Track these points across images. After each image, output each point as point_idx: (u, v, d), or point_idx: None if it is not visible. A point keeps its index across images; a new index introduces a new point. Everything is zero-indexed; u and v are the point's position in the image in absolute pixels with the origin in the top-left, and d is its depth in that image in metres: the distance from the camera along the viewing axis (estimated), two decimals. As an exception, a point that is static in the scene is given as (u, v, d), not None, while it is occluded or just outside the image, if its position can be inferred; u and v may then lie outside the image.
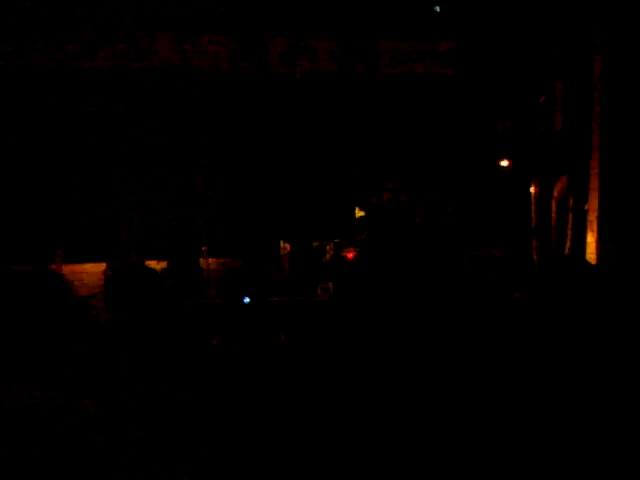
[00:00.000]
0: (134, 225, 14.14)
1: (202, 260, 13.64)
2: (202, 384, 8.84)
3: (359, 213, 13.82)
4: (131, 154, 13.90)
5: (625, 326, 9.97)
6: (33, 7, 13.49)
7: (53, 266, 13.48)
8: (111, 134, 13.82)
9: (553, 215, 13.42)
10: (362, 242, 13.60)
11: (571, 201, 13.24)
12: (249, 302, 11.58)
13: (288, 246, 13.74)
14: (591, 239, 12.81)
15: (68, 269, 13.46)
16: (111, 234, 14.03)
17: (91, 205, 13.99)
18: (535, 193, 13.48)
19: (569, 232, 13.16)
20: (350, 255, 13.45)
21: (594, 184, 12.83)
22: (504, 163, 13.83)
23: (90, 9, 13.61)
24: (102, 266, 13.39)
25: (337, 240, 13.67)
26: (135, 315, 11.57)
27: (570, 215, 13.17)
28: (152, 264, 13.58)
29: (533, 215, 13.16)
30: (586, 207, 12.93)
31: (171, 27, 13.69)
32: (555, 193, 13.47)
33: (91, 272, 13.48)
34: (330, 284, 12.94)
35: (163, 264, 13.56)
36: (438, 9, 13.84)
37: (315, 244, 13.72)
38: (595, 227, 12.71)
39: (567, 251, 13.09)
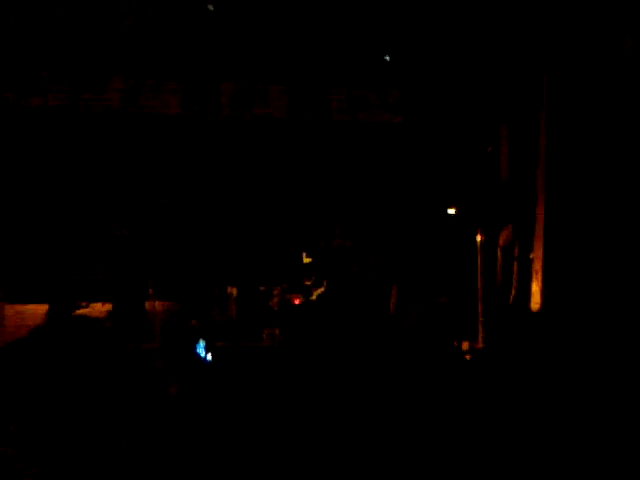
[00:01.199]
0: (80, 266, 14.02)
1: (148, 303, 13.54)
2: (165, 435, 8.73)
3: (306, 259, 13.85)
4: (76, 196, 13.82)
5: (567, 373, 10.07)
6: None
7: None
8: (55, 178, 13.74)
9: (499, 263, 13.58)
10: (309, 288, 13.61)
11: (516, 250, 13.41)
12: (204, 347, 11.52)
13: (234, 290, 13.70)
14: (536, 288, 12.94)
15: (11, 310, 13.26)
16: (56, 275, 13.88)
17: (37, 246, 13.85)
18: (481, 241, 13.64)
19: (514, 281, 13.31)
20: (297, 300, 13.45)
21: (539, 233, 13.00)
22: (451, 211, 13.99)
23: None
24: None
25: (284, 285, 13.67)
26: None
27: (515, 264, 13.33)
28: (97, 306, 13.45)
29: (479, 263, 13.28)
30: (531, 256, 13.10)
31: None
32: (500, 242, 13.63)
33: (35, 314, 13.29)
34: (276, 330, 12.92)
35: (107, 306, 13.45)
36: (388, 58, 14.02)
37: (262, 288, 13.71)
38: (540, 276, 12.85)
39: (512, 300, 13.22)
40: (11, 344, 12.18)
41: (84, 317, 12.85)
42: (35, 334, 12.21)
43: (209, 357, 11.83)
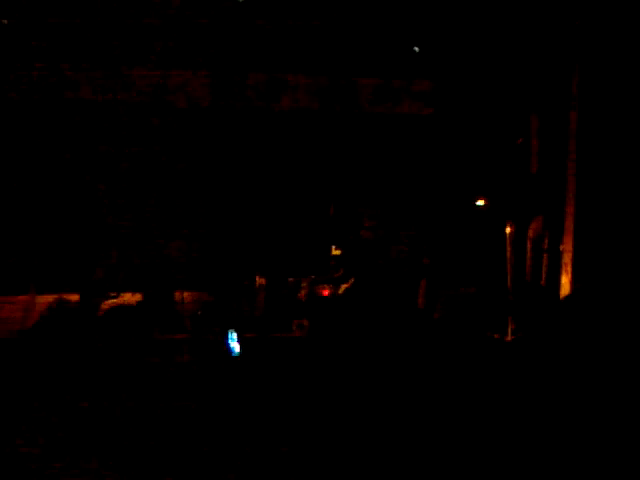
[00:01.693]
0: (110, 257, 14.08)
1: (177, 294, 13.60)
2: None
3: (335, 251, 13.82)
4: (108, 187, 13.87)
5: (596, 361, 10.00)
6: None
7: (26, 297, 13.40)
8: (89, 166, 13.80)
9: (528, 255, 13.51)
10: (339, 279, 13.59)
11: (546, 242, 13.35)
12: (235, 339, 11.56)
13: (263, 281, 13.72)
14: (565, 280, 12.89)
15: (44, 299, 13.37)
16: (87, 265, 13.95)
17: (68, 235, 13.92)
18: (510, 233, 13.56)
19: (544, 273, 13.26)
20: (325, 292, 13.44)
21: (569, 225, 12.94)
22: (480, 202, 13.92)
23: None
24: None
25: (313, 276, 13.67)
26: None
27: (545, 256, 13.27)
28: (127, 296, 13.53)
29: (508, 255, 13.22)
30: (561, 248, 13.04)
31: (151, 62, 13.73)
32: (530, 234, 13.57)
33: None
34: (305, 321, 12.93)
35: (137, 297, 13.51)
36: (417, 49, 13.96)
37: (290, 280, 13.71)
38: (569, 268, 12.79)
39: (541, 291, 13.16)
40: (26, 332, 12.26)
41: (116, 307, 13.00)
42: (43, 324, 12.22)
43: (238, 348, 11.87)
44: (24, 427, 8.70)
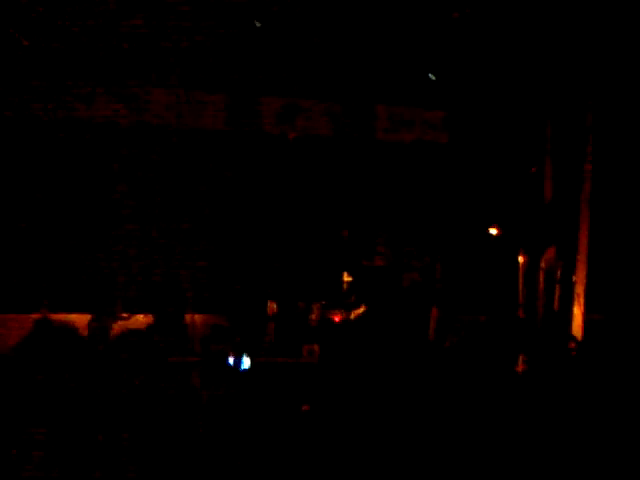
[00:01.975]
0: (120, 277, 14.09)
1: (187, 316, 13.59)
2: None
3: (347, 278, 13.82)
4: (122, 208, 13.91)
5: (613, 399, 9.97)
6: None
7: (39, 315, 13.41)
8: (102, 186, 13.84)
9: (540, 286, 13.49)
10: (350, 305, 13.58)
11: (559, 272, 13.33)
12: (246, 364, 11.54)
13: (274, 305, 13.71)
14: (578, 311, 12.86)
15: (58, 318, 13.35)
16: (98, 285, 13.96)
17: (81, 255, 13.94)
18: (523, 263, 13.56)
19: (556, 303, 13.23)
20: (337, 317, 13.42)
21: (582, 256, 12.93)
22: (493, 231, 13.92)
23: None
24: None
25: (324, 302, 13.65)
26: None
27: (557, 287, 13.25)
28: (139, 318, 13.52)
29: (520, 285, 13.21)
30: (574, 279, 13.02)
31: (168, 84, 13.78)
32: (542, 264, 13.55)
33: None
34: (316, 346, 12.91)
35: (148, 318, 13.50)
36: (433, 77, 14.00)
37: (301, 305, 13.70)
38: (582, 300, 12.77)
39: (553, 323, 13.13)
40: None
41: (127, 330, 12.98)
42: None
43: (248, 372, 11.86)
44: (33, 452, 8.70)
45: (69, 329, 12.90)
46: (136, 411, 9.90)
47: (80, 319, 13.39)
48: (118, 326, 13.27)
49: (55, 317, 13.15)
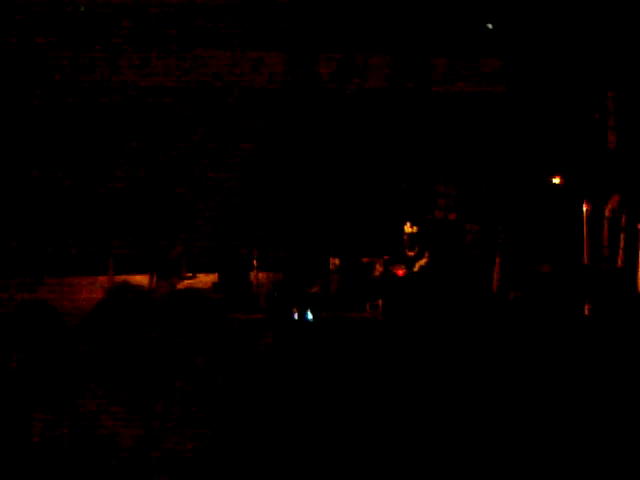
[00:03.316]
0: (184, 238, 14.26)
1: (252, 274, 13.72)
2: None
3: (409, 229, 13.77)
4: (181, 168, 14.04)
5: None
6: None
7: (105, 277, 13.66)
8: (165, 149, 13.97)
9: (605, 234, 13.32)
10: (413, 258, 13.56)
11: (623, 221, 13.14)
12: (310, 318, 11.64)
13: (337, 262, 13.76)
14: (643, 260, 12.70)
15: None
16: (160, 246, 14.14)
17: (143, 216, 14.12)
18: (587, 211, 13.39)
19: (620, 252, 13.05)
20: (400, 272, 13.41)
21: (647, 203, 12.73)
22: (556, 180, 13.75)
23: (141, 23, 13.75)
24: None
25: (386, 257, 13.65)
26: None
27: (622, 235, 13.06)
28: (202, 277, 13.70)
29: (585, 235, 13.05)
30: (639, 227, 12.83)
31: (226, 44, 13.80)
32: (607, 212, 13.36)
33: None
34: (379, 301, 12.94)
35: (212, 277, 13.67)
36: (490, 26, 13.79)
37: (364, 260, 13.72)
38: (647, 248, 12.60)
39: (618, 272, 12.97)
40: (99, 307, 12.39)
41: (189, 289, 13.16)
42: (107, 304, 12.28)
43: (313, 327, 11.96)
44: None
45: (137, 290, 13.13)
46: (201, 368, 10.06)
47: (146, 280, 13.64)
48: (183, 285, 13.48)
49: (123, 278, 13.42)
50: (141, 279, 13.76)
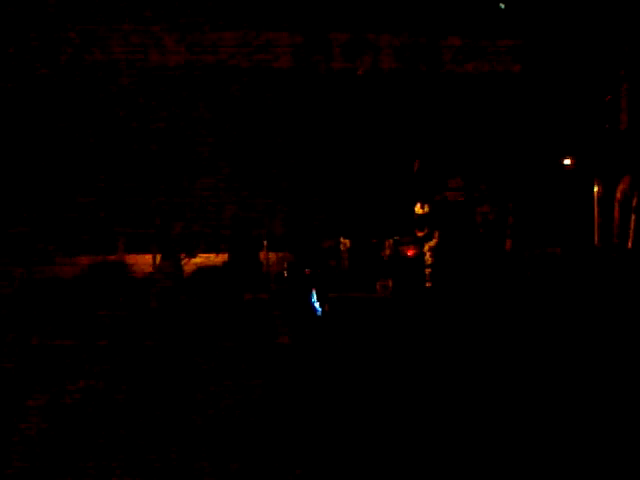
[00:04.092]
0: (191, 217, 14.27)
1: (262, 254, 13.74)
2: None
3: (419, 210, 13.76)
4: (194, 148, 14.04)
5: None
6: None
7: (115, 256, 13.70)
8: (177, 130, 13.96)
9: (616, 216, 13.29)
10: (423, 239, 13.54)
11: (634, 202, 13.10)
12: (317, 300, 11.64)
13: (347, 242, 13.77)
14: (654, 240, 12.68)
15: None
16: (167, 226, 14.14)
17: (150, 196, 14.12)
18: (598, 193, 13.37)
19: (631, 233, 13.02)
20: (410, 252, 13.40)
21: (658, 185, 12.69)
22: (567, 161, 13.72)
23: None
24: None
25: (397, 237, 13.65)
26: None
27: (633, 217, 13.03)
28: (211, 257, 13.71)
29: (596, 216, 13.04)
30: (649, 208, 12.81)
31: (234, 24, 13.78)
32: (618, 194, 13.33)
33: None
34: (389, 281, 12.95)
35: (222, 257, 13.68)
36: (503, 6, 13.73)
37: (374, 240, 13.73)
38: (658, 229, 12.57)
39: (628, 252, 12.96)
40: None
41: (202, 268, 13.20)
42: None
43: (322, 307, 11.96)
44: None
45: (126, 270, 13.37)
46: (213, 344, 10.09)
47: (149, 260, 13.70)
48: (194, 264, 13.51)
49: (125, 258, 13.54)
50: (148, 258, 13.79)
